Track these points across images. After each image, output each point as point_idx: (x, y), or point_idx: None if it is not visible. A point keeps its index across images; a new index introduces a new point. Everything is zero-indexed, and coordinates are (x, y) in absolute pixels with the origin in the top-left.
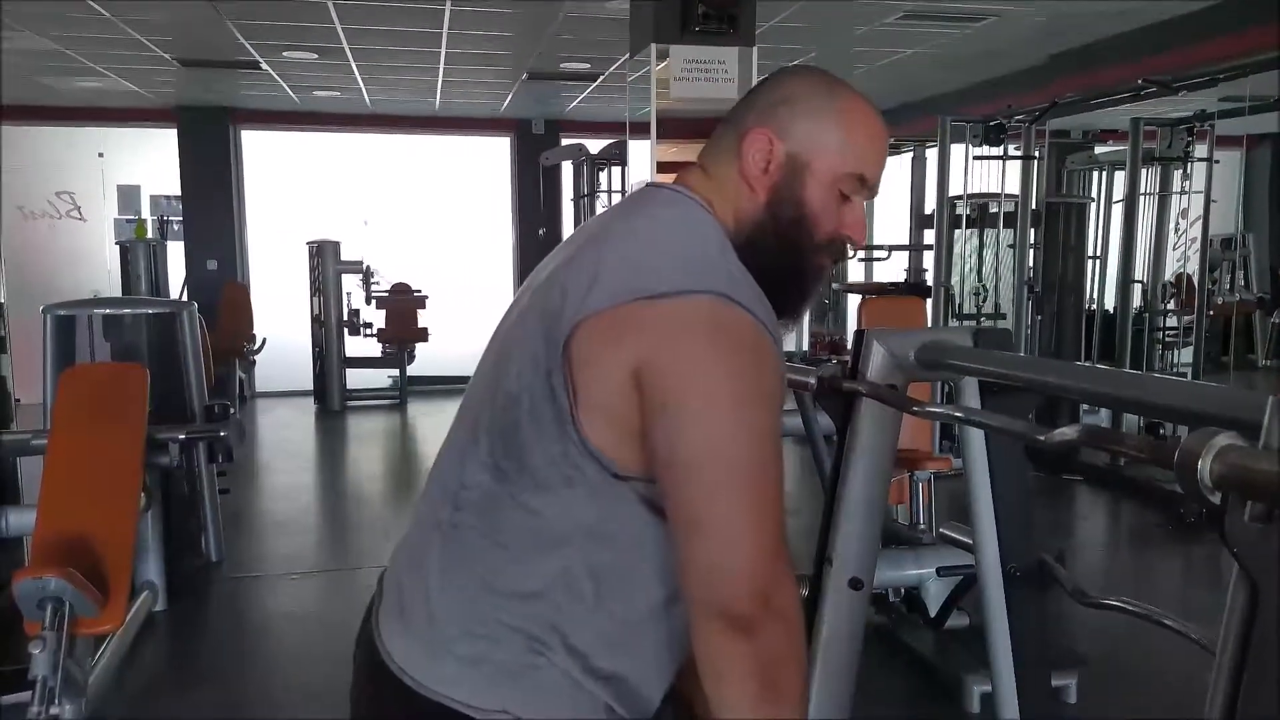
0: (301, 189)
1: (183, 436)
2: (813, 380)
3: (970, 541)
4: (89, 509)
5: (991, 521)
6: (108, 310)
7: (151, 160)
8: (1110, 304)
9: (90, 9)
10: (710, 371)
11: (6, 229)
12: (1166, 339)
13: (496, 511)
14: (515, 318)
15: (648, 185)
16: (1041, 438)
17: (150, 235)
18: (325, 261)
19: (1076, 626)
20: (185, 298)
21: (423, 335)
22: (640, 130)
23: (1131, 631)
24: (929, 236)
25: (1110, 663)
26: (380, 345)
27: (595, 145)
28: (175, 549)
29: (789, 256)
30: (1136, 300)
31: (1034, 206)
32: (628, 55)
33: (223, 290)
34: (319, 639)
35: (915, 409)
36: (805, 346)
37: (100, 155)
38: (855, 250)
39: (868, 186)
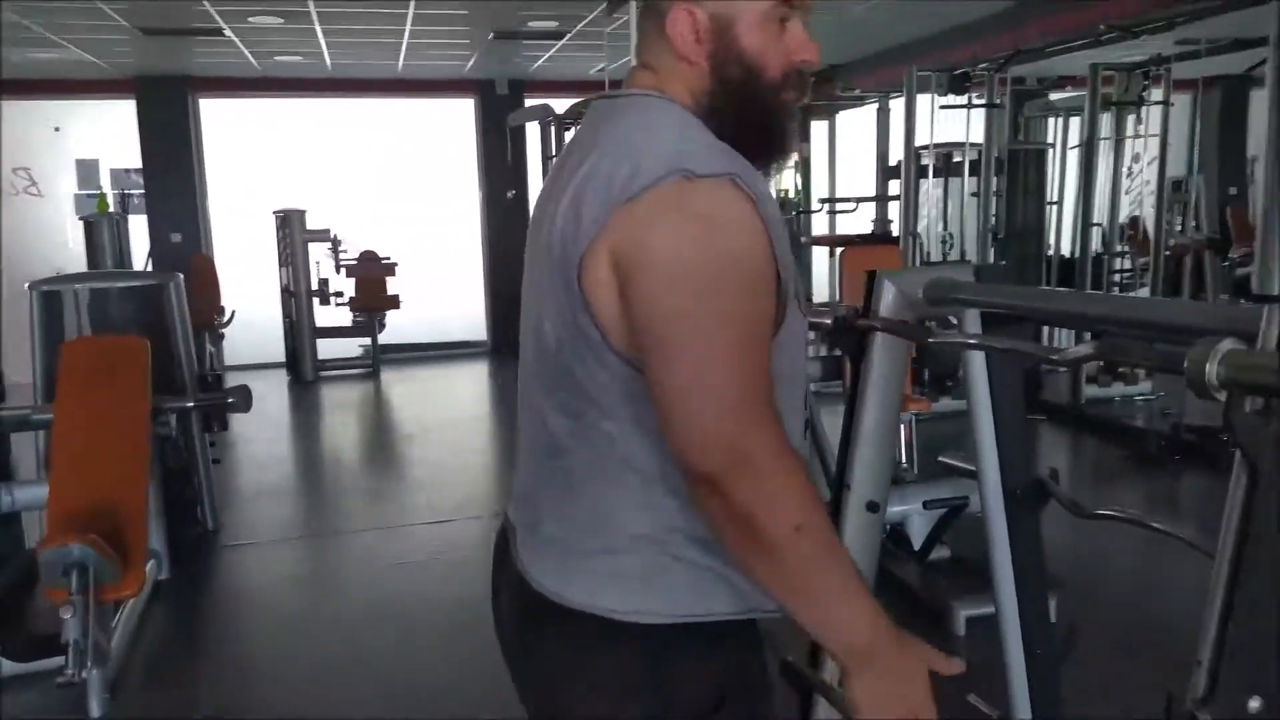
0: (263, 158)
1: (191, 405)
2: (829, 320)
3: (973, 468)
4: (103, 479)
5: (993, 445)
6: (95, 284)
7: (110, 133)
8: (1066, 248)
9: None
10: (670, 240)
11: None
12: (1123, 280)
13: (588, 445)
14: (531, 276)
15: (599, 99)
16: (1055, 357)
17: (112, 209)
18: (292, 231)
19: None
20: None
21: (394, 302)
22: (616, 87)
23: (1100, 552)
24: (894, 187)
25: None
26: (351, 314)
27: (561, 105)
28: (173, 518)
29: (752, 109)
30: (1096, 244)
31: (996, 154)
32: (603, 6)
33: (190, 263)
34: (317, 599)
35: (931, 339)
36: None
37: (56, 129)
38: (812, 69)
39: (798, 3)
